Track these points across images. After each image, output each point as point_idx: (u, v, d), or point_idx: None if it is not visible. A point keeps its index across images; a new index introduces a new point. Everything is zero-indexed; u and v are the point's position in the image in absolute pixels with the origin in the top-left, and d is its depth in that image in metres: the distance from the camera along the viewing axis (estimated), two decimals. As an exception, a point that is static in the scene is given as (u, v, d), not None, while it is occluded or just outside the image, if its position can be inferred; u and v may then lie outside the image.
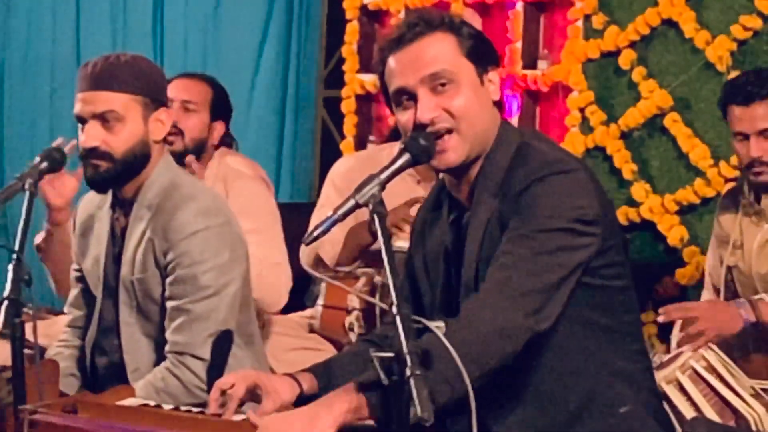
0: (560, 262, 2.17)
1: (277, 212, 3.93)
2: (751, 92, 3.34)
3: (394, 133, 4.37)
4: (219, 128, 3.80)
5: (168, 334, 2.68)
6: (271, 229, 3.71)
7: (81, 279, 2.93)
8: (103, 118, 2.67)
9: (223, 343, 2.67)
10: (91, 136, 2.68)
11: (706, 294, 3.67)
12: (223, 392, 2.19)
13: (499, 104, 2.34)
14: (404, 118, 2.26)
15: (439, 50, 2.24)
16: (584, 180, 2.23)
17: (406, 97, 2.25)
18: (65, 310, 3.08)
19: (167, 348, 2.68)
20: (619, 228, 2.36)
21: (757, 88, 3.34)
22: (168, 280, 2.68)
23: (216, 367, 2.66)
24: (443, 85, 2.23)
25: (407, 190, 4.08)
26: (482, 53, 2.29)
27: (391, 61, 2.27)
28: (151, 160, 2.73)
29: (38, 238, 3.41)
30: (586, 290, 2.24)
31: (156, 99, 2.72)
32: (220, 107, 3.79)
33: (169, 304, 2.68)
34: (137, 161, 2.70)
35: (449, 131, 2.23)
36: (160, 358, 2.71)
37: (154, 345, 2.74)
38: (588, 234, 2.20)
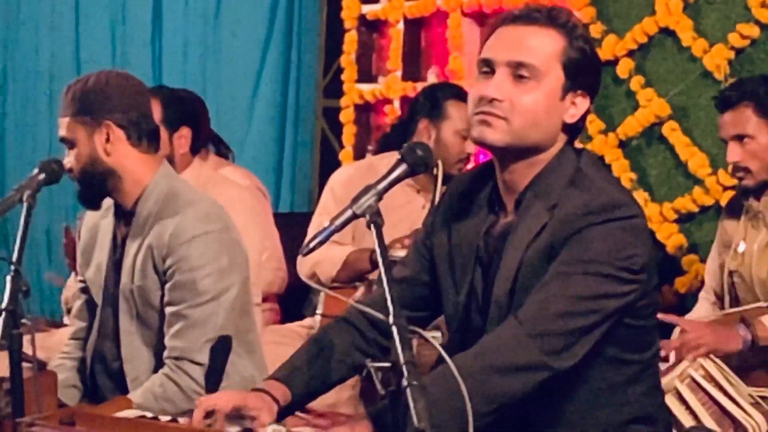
0: (598, 308, 2.14)
1: (260, 221, 3.90)
2: (727, 99, 3.43)
3: (385, 141, 4.38)
4: (185, 134, 3.73)
5: (166, 340, 2.69)
6: (247, 240, 3.64)
7: (85, 290, 2.94)
8: (64, 143, 2.79)
9: (221, 349, 2.67)
10: (65, 159, 2.79)
11: (704, 296, 3.67)
12: (208, 413, 2.18)
13: (575, 131, 2.28)
14: (473, 88, 2.25)
15: (541, 44, 2.20)
16: (642, 226, 2.19)
17: (487, 69, 2.22)
18: (69, 321, 3.09)
19: (166, 354, 2.69)
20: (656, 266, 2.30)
21: (732, 94, 3.43)
22: (167, 285, 2.70)
23: (214, 373, 2.66)
24: (523, 77, 2.19)
25: (407, 199, 4.09)
26: (581, 73, 2.22)
27: (497, 32, 2.25)
28: (124, 173, 2.74)
29: (68, 294, 3.41)
30: (624, 330, 2.21)
31: (97, 116, 2.73)
32: (177, 116, 3.71)
33: (168, 309, 2.69)
34: (97, 178, 2.75)
35: (501, 118, 2.19)
36: (159, 366, 2.71)
37: (154, 353, 2.75)
38: (633, 282, 2.16)
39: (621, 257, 2.14)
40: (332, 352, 2.37)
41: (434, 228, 2.40)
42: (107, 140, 2.73)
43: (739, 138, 3.41)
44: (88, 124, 2.74)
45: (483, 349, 2.13)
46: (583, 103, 2.26)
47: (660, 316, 3.08)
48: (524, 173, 2.24)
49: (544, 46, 2.20)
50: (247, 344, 2.80)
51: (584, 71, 2.24)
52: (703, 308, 3.63)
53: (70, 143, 2.76)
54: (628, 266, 2.15)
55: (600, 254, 2.13)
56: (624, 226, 2.16)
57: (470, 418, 1.86)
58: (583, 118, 2.28)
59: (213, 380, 2.65)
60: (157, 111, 3.59)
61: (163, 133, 3.59)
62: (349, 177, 4.13)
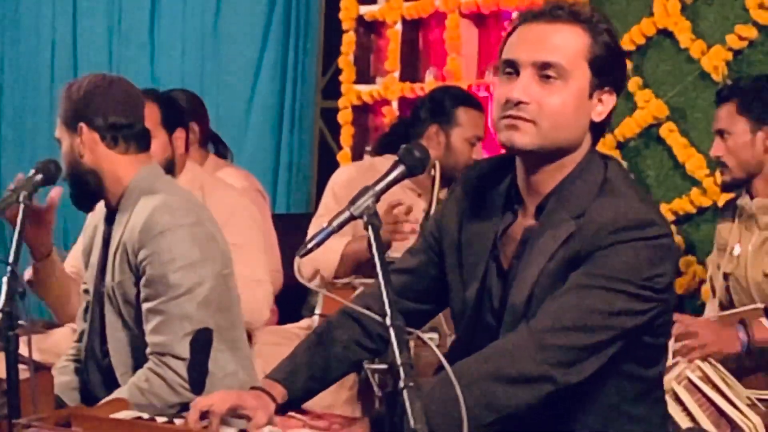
0: (613, 325, 2.09)
1: (260, 223, 3.90)
2: (720, 94, 3.54)
3: (384, 142, 4.37)
4: (180, 136, 3.71)
5: (147, 336, 2.71)
6: (251, 243, 3.64)
7: (88, 291, 2.96)
8: (58, 144, 2.86)
9: (201, 343, 2.68)
10: None
11: (710, 304, 3.68)
12: (203, 413, 2.18)
13: (601, 129, 2.22)
14: (498, 89, 2.18)
15: (566, 42, 2.14)
16: (670, 246, 2.14)
17: (510, 69, 2.16)
18: (76, 323, 3.11)
19: (148, 350, 2.71)
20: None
21: (725, 90, 3.52)
22: (141, 281, 2.72)
23: (197, 367, 2.67)
24: (550, 77, 2.13)
25: (407, 202, 4.08)
26: (607, 70, 2.16)
27: (518, 30, 2.18)
28: (103, 174, 2.78)
29: (27, 274, 3.41)
30: (642, 348, 2.17)
31: (71, 120, 2.80)
32: (173, 118, 3.67)
33: (144, 306, 2.72)
34: (80, 179, 2.80)
35: (529, 121, 2.13)
36: (143, 361, 2.73)
37: (138, 349, 2.76)
38: (653, 300, 2.11)
39: (645, 276, 2.09)
40: (334, 349, 2.34)
41: (444, 218, 2.34)
42: (81, 142, 2.79)
43: (721, 133, 3.48)
44: (68, 127, 2.81)
45: (489, 355, 2.09)
46: (609, 100, 2.19)
47: None
48: (550, 176, 2.19)
49: (569, 44, 2.14)
50: (230, 341, 2.81)
51: (610, 67, 2.18)
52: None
53: (60, 145, 2.83)
54: (652, 285, 2.10)
55: (624, 271, 2.08)
56: (653, 245, 2.10)
57: (465, 427, 1.84)
58: (609, 115, 2.21)
59: (196, 374, 2.66)
60: (155, 114, 3.60)
61: (163, 136, 3.61)
62: (349, 178, 4.12)
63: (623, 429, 2.19)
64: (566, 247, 2.13)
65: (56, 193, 3.00)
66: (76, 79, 2.86)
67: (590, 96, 2.17)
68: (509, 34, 2.20)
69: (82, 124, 2.78)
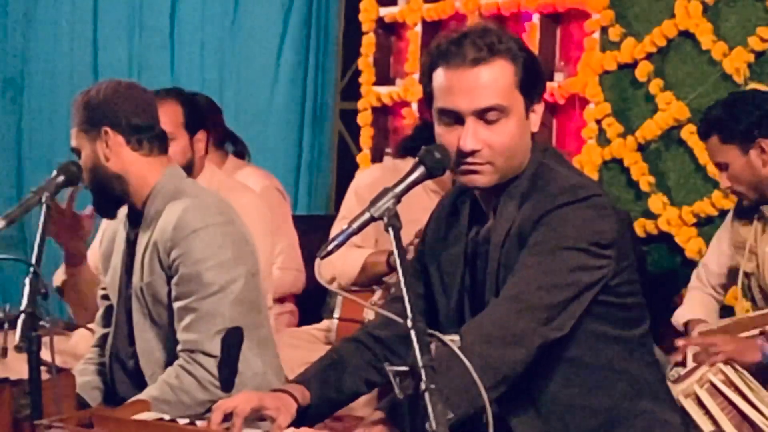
0: (573, 281, 2.21)
1: (271, 227, 3.87)
2: (699, 133, 3.61)
3: (407, 144, 4.35)
4: (201, 138, 3.70)
5: (178, 334, 2.72)
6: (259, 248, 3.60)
7: (106, 296, 2.98)
8: (74, 153, 2.85)
9: (232, 341, 2.69)
10: None
11: (698, 287, 3.72)
12: (227, 415, 2.19)
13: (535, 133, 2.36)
14: (445, 136, 2.27)
15: (497, 81, 2.24)
16: (604, 205, 2.27)
17: (451, 118, 2.26)
18: (93, 328, 3.12)
19: (179, 347, 2.72)
20: (633, 248, 2.39)
21: (701, 128, 3.57)
22: (173, 280, 2.73)
23: (227, 365, 2.68)
24: (493, 119, 2.24)
25: (432, 205, 4.07)
26: (533, 85, 2.29)
27: (443, 75, 2.27)
28: (129, 176, 2.79)
29: (58, 280, 3.44)
30: (603, 307, 2.28)
31: (96, 123, 2.78)
32: (195, 120, 3.67)
33: (176, 304, 2.73)
34: (104, 184, 2.80)
35: (486, 163, 2.26)
36: (173, 361, 2.74)
37: (167, 349, 2.78)
38: (603, 256, 2.24)
39: (588, 233, 2.22)
40: (346, 364, 2.41)
41: (426, 246, 2.48)
42: (106, 146, 2.78)
43: (720, 166, 3.53)
44: (89, 133, 2.80)
45: (476, 326, 2.19)
46: (539, 108, 2.33)
47: (679, 345, 3.12)
48: (502, 185, 2.32)
49: (500, 81, 2.25)
50: (259, 340, 2.82)
51: (534, 82, 2.30)
52: (698, 300, 3.66)
53: (78, 153, 2.83)
54: (597, 241, 2.22)
55: (568, 232, 2.21)
56: (588, 204, 2.24)
57: (483, 391, 1.87)
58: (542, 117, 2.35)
59: (227, 372, 2.68)
60: (178, 115, 3.61)
61: (185, 137, 3.61)
62: (373, 180, 4.10)
63: (616, 392, 2.29)
64: (512, 231, 2.27)
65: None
66: (90, 87, 2.86)
67: (527, 116, 2.30)
68: (431, 71, 2.29)
69: (106, 128, 2.78)
